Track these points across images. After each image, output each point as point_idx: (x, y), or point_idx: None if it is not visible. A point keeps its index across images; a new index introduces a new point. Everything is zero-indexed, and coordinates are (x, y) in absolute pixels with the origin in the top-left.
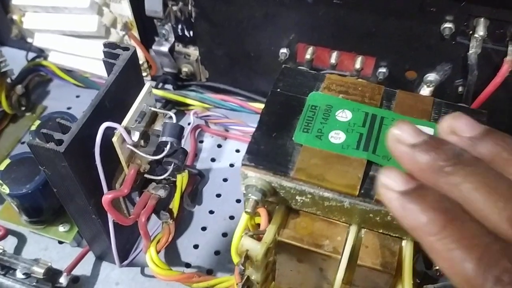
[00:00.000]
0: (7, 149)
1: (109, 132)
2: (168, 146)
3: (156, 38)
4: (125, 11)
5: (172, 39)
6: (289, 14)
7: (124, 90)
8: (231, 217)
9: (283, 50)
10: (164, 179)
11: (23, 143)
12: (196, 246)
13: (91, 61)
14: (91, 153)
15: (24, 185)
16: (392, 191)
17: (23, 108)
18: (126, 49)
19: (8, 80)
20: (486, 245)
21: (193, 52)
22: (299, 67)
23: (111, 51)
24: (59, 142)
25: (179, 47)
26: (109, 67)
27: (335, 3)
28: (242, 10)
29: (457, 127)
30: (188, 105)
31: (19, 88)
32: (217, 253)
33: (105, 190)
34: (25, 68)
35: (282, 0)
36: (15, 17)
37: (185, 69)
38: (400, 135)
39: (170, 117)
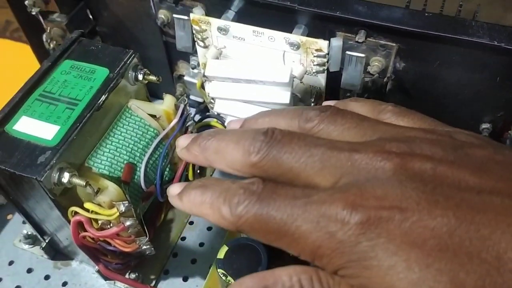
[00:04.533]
0: (186, 216)
1: None
2: None
3: None
4: (318, 83)
5: None
6: (506, 94)
7: None
8: None
9: (486, 126)
10: None
11: None
12: None
13: None
14: None
15: None
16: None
17: (198, 171)
18: None
19: None
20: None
21: None
22: None
23: None
24: None
25: None
26: None
27: None
28: (449, 87)
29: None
30: None
31: None
32: None
33: None
34: (197, 129)
35: (503, 82)
36: (192, 80)
37: None
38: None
39: None
